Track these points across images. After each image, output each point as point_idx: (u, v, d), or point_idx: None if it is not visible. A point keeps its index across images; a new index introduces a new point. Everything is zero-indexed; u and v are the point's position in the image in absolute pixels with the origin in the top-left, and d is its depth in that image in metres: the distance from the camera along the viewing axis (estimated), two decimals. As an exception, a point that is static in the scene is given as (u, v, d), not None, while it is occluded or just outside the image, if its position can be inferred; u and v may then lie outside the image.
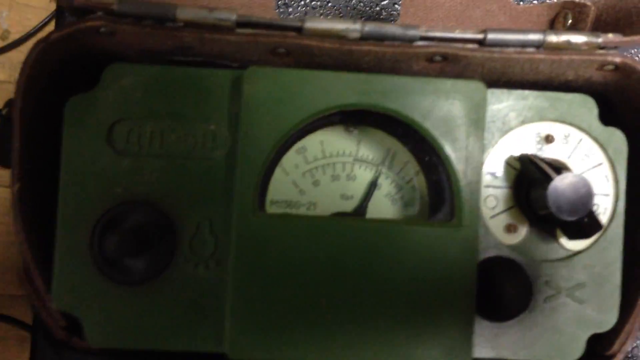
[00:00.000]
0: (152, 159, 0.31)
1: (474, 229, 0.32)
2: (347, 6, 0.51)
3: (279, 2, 0.49)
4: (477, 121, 0.32)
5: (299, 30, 0.30)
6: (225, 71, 0.32)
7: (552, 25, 0.45)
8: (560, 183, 0.31)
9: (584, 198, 0.31)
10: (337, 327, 0.31)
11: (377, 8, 0.52)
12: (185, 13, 0.29)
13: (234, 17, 0.30)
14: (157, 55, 0.32)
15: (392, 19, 0.51)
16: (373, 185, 0.36)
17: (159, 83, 0.31)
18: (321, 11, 0.52)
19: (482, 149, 0.32)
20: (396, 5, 0.52)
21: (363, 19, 0.54)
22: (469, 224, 0.32)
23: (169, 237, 0.31)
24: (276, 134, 0.31)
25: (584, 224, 0.32)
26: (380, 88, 0.31)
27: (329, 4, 0.51)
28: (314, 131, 0.35)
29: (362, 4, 0.52)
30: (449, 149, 0.32)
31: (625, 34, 0.38)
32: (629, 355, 0.47)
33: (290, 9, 0.53)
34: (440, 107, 0.32)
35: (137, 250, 0.30)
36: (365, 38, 0.31)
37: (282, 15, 0.51)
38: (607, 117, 0.36)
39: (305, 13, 0.53)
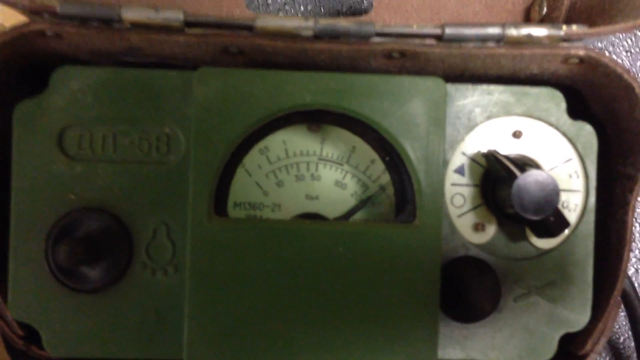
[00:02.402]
0: (106, 164, 0.31)
1: (436, 229, 0.31)
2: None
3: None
4: (437, 119, 0.31)
5: (250, 29, 0.29)
6: (177, 72, 0.31)
7: (528, 14, 0.44)
8: (524, 181, 0.30)
9: (549, 196, 0.30)
10: (298, 332, 0.31)
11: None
12: (130, 13, 0.29)
13: (181, 16, 0.29)
14: (108, 57, 0.31)
15: (366, 10, 0.50)
16: (365, 202, 0.35)
17: (110, 86, 0.31)
18: (296, 5, 0.51)
19: (443, 147, 0.31)
20: (370, -4, 0.51)
21: (333, 11, 0.53)
22: (431, 224, 0.31)
23: (125, 244, 0.31)
24: (230, 136, 0.30)
25: (551, 222, 0.31)
26: (335, 87, 0.30)
27: (301, -2, 0.50)
28: (276, 131, 0.34)
29: (335, -4, 0.51)
30: (408, 148, 0.31)
31: (597, 23, 0.36)
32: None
33: (270, 1, 0.52)
34: (398, 105, 0.31)
35: (91, 258, 0.30)
36: (319, 36, 0.30)
37: (261, 10, 0.50)
38: (578, 110, 0.35)
39: (285, 4, 0.53)
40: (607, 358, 0.50)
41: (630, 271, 0.50)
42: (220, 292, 0.30)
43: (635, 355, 0.44)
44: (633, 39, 0.52)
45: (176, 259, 0.31)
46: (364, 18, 0.45)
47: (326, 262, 0.31)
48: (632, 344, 0.46)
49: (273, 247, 0.30)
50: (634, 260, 0.50)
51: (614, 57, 0.51)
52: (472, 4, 0.45)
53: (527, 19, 0.44)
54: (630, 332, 0.47)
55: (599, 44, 0.52)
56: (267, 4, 0.52)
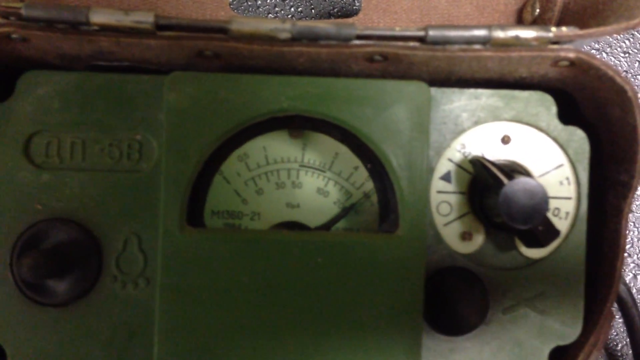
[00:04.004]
0: (74, 172, 0.30)
1: (419, 239, 0.30)
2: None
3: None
4: (421, 124, 0.30)
5: (224, 31, 0.28)
6: (149, 77, 0.30)
7: (520, 16, 0.43)
8: (512, 189, 0.29)
9: (538, 205, 0.29)
10: (275, 347, 0.29)
11: (327, 1, 0.50)
12: (99, 16, 0.27)
13: (151, 19, 0.27)
14: (78, 61, 0.30)
15: (357, 12, 0.49)
16: (348, 210, 0.34)
17: (79, 91, 0.29)
18: (286, 7, 0.50)
19: (427, 154, 0.30)
20: (359, -3, 0.50)
21: (324, 13, 0.52)
22: (414, 234, 0.30)
23: (94, 256, 0.29)
24: (203, 143, 0.29)
25: (539, 232, 0.30)
26: (314, 91, 0.29)
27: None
28: (255, 137, 0.33)
29: (324, -2, 0.50)
30: (390, 155, 0.30)
31: (590, 24, 0.35)
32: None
33: (259, 2, 0.51)
34: (379, 110, 0.29)
35: (58, 270, 0.28)
36: (297, 38, 0.28)
37: (250, 12, 0.49)
38: (570, 115, 0.33)
39: (275, 6, 0.51)
40: (605, 366, 0.49)
41: (629, 277, 0.49)
42: (192, 305, 0.29)
43: (633, 362, 0.43)
44: (631, 39, 0.50)
45: (147, 272, 0.30)
46: (350, 20, 0.44)
47: (305, 274, 0.29)
48: (630, 351, 0.45)
49: (249, 258, 0.29)
50: (632, 265, 0.49)
51: (612, 58, 0.50)
52: (463, 5, 0.44)
53: (520, 21, 0.43)
54: (628, 340, 0.46)
55: (596, 45, 0.50)
56: (257, 5, 0.51)
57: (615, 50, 0.51)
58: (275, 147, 0.34)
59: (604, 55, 0.50)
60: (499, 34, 0.28)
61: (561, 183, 0.33)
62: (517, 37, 0.29)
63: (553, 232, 0.30)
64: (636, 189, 0.31)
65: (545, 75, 0.31)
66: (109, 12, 0.27)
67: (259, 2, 0.51)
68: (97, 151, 0.30)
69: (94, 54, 0.29)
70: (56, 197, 0.29)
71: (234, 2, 0.50)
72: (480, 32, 0.29)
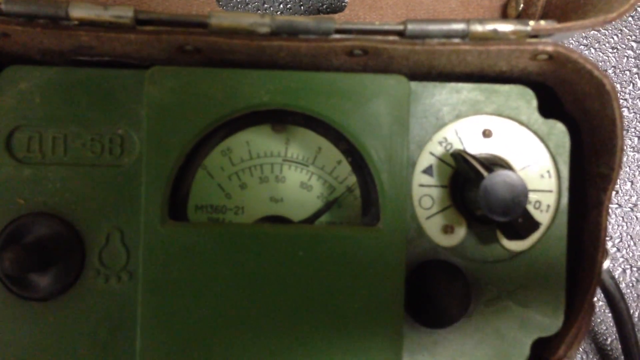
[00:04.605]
0: (56, 167, 0.30)
1: (400, 232, 0.30)
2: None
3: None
4: (401, 118, 0.30)
5: (204, 26, 0.28)
6: (130, 72, 0.30)
7: (505, 10, 0.43)
8: (491, 182, 0.29)
9: (518, 197, 0.29)
10: (257, 338, 0.29)
11: (326, -4, 0.50)
12: (78, 11, 0.27)
13: (131, 14, 0.28)
14: (60, 56, 0.30)
15: (342, 8, 0.49)
16: (331, 204, 0.34)
17: (60, 86, 0.29)
18: (275, 3, 0.50)
19: (408, 147, 0.30)
20: (345, -7, 0.50)
21: (313, 9, 0.52)
22: (395, 227, 0.30)
23: (77, 250, 0.30)
24: (184, 138, 0.29)
25: (519, 224, 0.30)
26: (294, 86, 0.29)
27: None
28: (238, 131, 0.33)
29: (310, -7, 0.50)
30: (370, 148, 0.30)
31: (572, 18, 0.35)
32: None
33: (248, -1, 0.51)
34: (359, 104, 0.30)
35: (41, 265, 0.28)
36: (276, 33, 0.29)
37: (239, 8, 0.49)
38: (551, 108, 0.33)
39: (264, 2, 0.52)
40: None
41: (618, 271, 0.50)
42: (174, 298, 0.29)
43: (622, 357, 0.43)
44: (620, 35, 0.51)
45: (130, 266, 0.30)
46: (336, 16, 0.44)
47: (287, 267, 0.29)
48: (620, 345, 0.45)
49: (230, 251, 0.29)
50: (621, 260, 0.49)
51: (600, 54, 0.51)
52: (448, 0, 0.44)
53: (504, 16, 0.43)
54: (617, 334, 0.46)
55: (584, 41, 0.51)
56: (246, 2, 0.51)
57: (603, 46, 0.51)
58: (259, 141, 0.34)
59: (592, 50, 0.51)
60: (478, 27, 0.29)
61: (542, 176, 0.33)
62: (495, 31, 0.29)
63: (533, 225, 0.30)
64: (616, 182, 0.31)
65: (525, 69, 0.31)
66: (89, 6, 0.27)
67: (248, -1, 0.51)
68: (78, 146, 0.30)
69: (75, 48, 0.29)
70: (38, 191, 0.29)
71: (223, -1, 0.50)
72: (459, 26, 0.29)
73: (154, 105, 0.29)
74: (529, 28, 0.29)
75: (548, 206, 0.33)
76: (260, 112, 0.32)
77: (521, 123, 0.32)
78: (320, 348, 0.30)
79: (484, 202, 0.29)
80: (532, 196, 0.33)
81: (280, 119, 0.33)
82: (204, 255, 0.29)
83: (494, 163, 0.32)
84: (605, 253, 0.43)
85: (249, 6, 0.51)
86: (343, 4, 0.50)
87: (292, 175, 0.34)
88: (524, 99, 0.32)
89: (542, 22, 0.29)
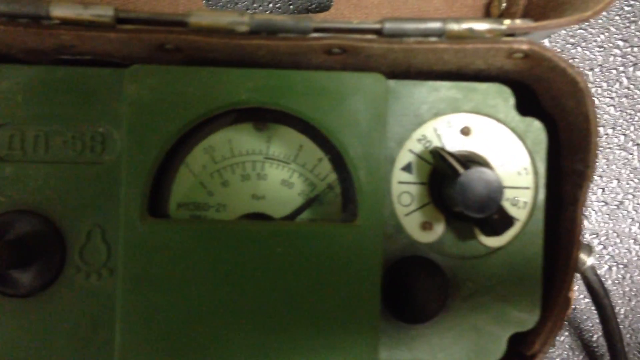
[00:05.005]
0: (38, 165, 0.30)
1: (377, 228, 0.30)
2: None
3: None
4: (378, 115, 0.30)
5: (183, 24, 0.29)
6: (111, 70, 0.30)
7: (488, 9, 0.44)
8: (467, 178, 0.29)
9: (493, 194, 0.30)
10: (236, 334, 0.30)
11: (311, -5, 0.51)
12: (59, 10, 0.28)
13: (111, 12, 0.28)
14: (43, 55, 0.31)
15: (326, 7, 0.49)
16: (311, 201, 0.34)
17: (42, 84, 0.30)
18: (265, 2, 0.50)
19: (385, 144, 0.31)
20: (330, -7, 0.50)
21: (302, 8, 0.53)
22: (372, 224, 0.30)
23: (58, 247, 0.30)
24: (163, 135, 0.29)
25: (495, 220, 0.30)
26: (273, 84, 0.30)
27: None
28: (220, 129, 0.34)
29: (296, -8, 0.50)
30: (348, 146, 0.30)
31: (551, 17, 0.36)
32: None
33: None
34: (337, 101, 0.30)
35: (22, 262, 0.29)
36: (255, 31, 0.29)
37: (227, 7, 0.49)
38: (530, 106, 0.34)
39: (253, 2, 0.52)
40: (581, 357, 0.49)
41: (604, 269, 0.50)
42: (153, 295, 0.29)
43: (608, 354, 0.43)
44: (606, 33, 0.51)
45: (111, 263, 0.30)
46: (322, 15, 0.44)
47: (266, 263, 0.30)
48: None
49: (209, 248, 0.30)
50: (607, 257, 0.50)
51: (587, 52, 0.51)
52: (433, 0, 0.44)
53: (488, 15, 0.44)
54: (602, 331, 0.47)
55: (571, 40, 0.51)
56: (235, 1, 0.51)
57: (590, 44, 0.51)
58: (241, 139, 0.34)
59: (579, 48, 0.51)
60: (453, 26, 0.29)
61: (519, 173, 0.33)
62: (471, 30, 0.29)
63: (508, 221, 0.30)
64: (591, 179, 0.32)
65: (502, 68, 0.32)
66: (69, 5, 0.28)
67: (237, -2, 0.51)
68: (60, 144, 0.30)
69: (57, 47, 0.30)
70: (19, 189, 0.30)
71: (214, -1, 0.50)
72: (435, 25, 0.29)
73: (133, 104, 0.29)
74: (504, 27, 0.29)
75: (525, 203, 0.33)
76: (242, 110, 0.32)
77: (499, 121, 0.33)
78: (297, 343, 0.30)
79: (460, 199, 0.30)
80: (510, 193, 0.33)
81: (262, 117, 0.33)
82: (183, 251, 0.29)
83: (471, 160, 0.32)
84: (590, 250, 0.43)
85: (239, 5, 0.51)
86: (331, 3, 0.51)
87: (274, 173, 0.34)
88: (502, 97, 0.33)
89: (518, 21, 0.30)
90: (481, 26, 0.29)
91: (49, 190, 0.30)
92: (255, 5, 0.51)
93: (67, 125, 0.30)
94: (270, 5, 0.51)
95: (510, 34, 0.30)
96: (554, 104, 0.33)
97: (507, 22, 0.29)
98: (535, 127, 0.33)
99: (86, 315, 0.30)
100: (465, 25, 0.29)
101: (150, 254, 0.29)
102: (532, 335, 0.33)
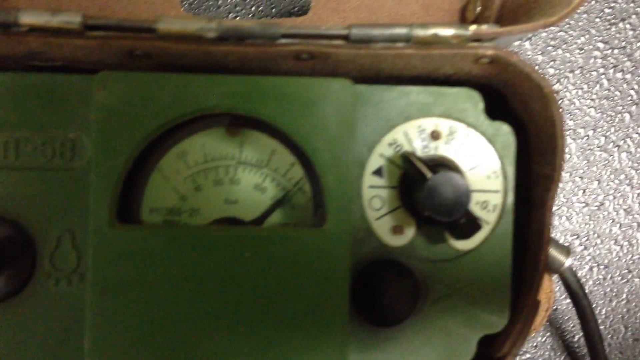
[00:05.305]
0: (8, 171, 0.30)
1: (346, 233, 0.31)
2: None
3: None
4: (346, 120, 0.30)
5: (152, 31, 0.29)
6: (81, 76, 0.30)
7: (464, 13, 0.44)
8: (435, 183, 0.30)
9: (460, 198, 0.30)
10: (205, 340, 0.30)
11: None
12: (28, 17, 0.28)
13: (79, 19, 0.28)
14: (14, 61, 0.31)
15: (304, 11, 0.50)
16: (279, 203, 0.34)
17: (11, 91, 0.30)
18: (247, 6, 0.51)
19: (353, 149, 0.31)
20: (309, -4, 0.51)
21: (285, 12, 0.53)
22: (341, 228, 0.31)
23: (28, 253, 0.30)
24: (132, 141, 0.30)
25: (462, 224, 0.31)
26: (241, 90, 0.30)
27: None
28: (192, 134, 0.34)
29: (273, -4, 0.51)
30: (316, 151, 0.31)
31: (522, 21, 0.36)
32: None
33: (220, 1, 0.51)
34: (305, 107, 0.30)
35: (-10, 267, 0.29)
36: (223, 38, 0.29)
37: (210, 11, 0.49)
38: (502, 110, 0.34)
39: (235, 5, 0.52)
40: (563, 357, 0.50)
41: (585, 269, 0.50)
42: (122, 301, 0.29)
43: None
44: (587, 36, 0.51)
45: (81, 268, 0.31)
46: (300, 19, 0.45)
47: (234, 268, 0.30)
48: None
49: (178, 253, 0.30)
50: (588, 258, 0.50)
51: (567, 55, 0.51)
52: (410, 3, 0.45)
53: (463, 18, 0.44)
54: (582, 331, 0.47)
55: (552, 42, 0.51)
56: (218, 5, 0.51)
57: (570, 47, 0.52)
58: (213, 144, 0.34)
59: (560, 51, 0.52)
60: (419, 32, 0.29)
61: (489, 177, 0.34)
62: (436, 35, 0.30)
63: (475, 225, 0.31)
64: (558, 182, 0.32)
65: (470, 73, 0.32)
66: (37, 12, 0.28)
67: (220, 1, 0.51)
68: (30, 150, 0.30)
69: (27, 54, 0.30)
70: None
71: (195, 2, 0.51)
72: (402, 30, 0.29)
73: (102, 110, 0.29)
74: (469, 32, 0.29)
75: (495, 206, 0.34)
76: (214, 115, 0.32)
77: (469, 125, 0.33)
78: (267, 347, 0.30)
79: (428, 203, 0.30)
80: (480, 196, 0.34)
81: (234, 122, 0.33)
82: (152, 257, 0.30)
83: (441, 164, 0.32)
84: (568, 251, 0.44)
85: (221, 9, 0.51)
86: (294, 9, 0.51)
87: (247, 178, 0.35)
88: (471, 102, 0.33)
89: (483, 27, 0.30)
90: (447, 32, 0.30)
91: (19, 197, 0.30)
92: (237, 9, 0.52)
93: (37, 132, 0.30)
94: (253, 8, 0.52)
95: (477, 39, 0.30)
96: (522, 108, 0.33)
97: (472, 27, 0.30)
98: (504, 131, 0.33)
99: (57, 322, 0.30)
100: (431, 31, 0.29)
101: (119, 260, 0.29)
102: (501, 337, 0.33)
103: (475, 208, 0.33)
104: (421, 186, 0.30)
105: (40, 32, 0.28)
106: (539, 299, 0.33)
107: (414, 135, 0.33)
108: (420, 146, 0.33)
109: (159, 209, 0.34)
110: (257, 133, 0.34)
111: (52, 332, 0.30)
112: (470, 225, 0.31)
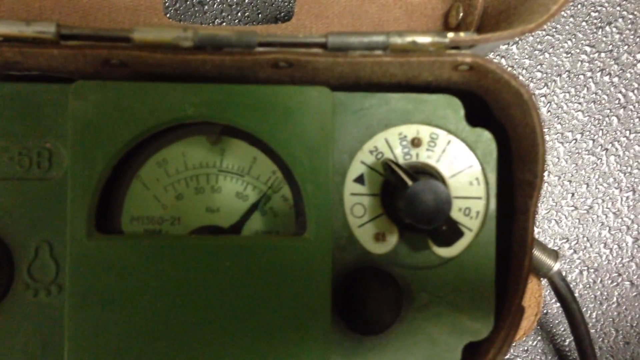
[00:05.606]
0: None
1: (326, 241, 0.30)
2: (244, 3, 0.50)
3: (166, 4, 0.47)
4: (324, 128, 0.30)
5: (127, 40, 0.29)
6: (57, 86, 0.30)
7: (447, 19, 0.44)
8: (415, 190, 0.30)
9: (441, 205, 0.30)
10: (185, 350, 0.30)
11: (273, 5, 0.51)
12: (1, 27, 0.28)
13: (53, 29, 0.28)
14: (-10, 71, 0.31)
15: (290, 17, 0.49)
16: (255, 207, 0.34)
17: (-13, 101, 0.30)
18: (233, 12, 0.51)
19: (332, 157, 0.31)
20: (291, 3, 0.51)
21: (271, 18, 0.53)
22: (321, 237, 0.30)
23: (5, 264, 0.30)
24: (109, 151, 0.29)
25: (444, 231, 0.30)
26: (218, 98, 0.30)
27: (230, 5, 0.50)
28: (172, 143, 0.34)
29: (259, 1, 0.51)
30: (295, 159, 0.30)
31: (502, 28, 0.36)
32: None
33: (206, 7, 0.51)
34: (282, 115, 0.30)
35: (-32, 279, 0.29)
36: (199, 46, 0.29)
37: (196, 17, 0.49)
38: (483, 117, 0.34)
39: (222, 11, 0.52)
40: (552, 361, 0.50)
41: (574, 273, 0.50)
42: (101, 312, 0.29)
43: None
44: (573, 40, 0.51)
45: (59, 279, 0.30)
46: (284, 25, 0.45)
47: (215, 277, 0.30)
48: (576, 346, 0.46)
49: (157, 263, 0.30)
50: (578, 262, 0.50)
51: (554, 59, 0.51)
52: (393, 10, 0.44)
53: (446, 24, 0.44)
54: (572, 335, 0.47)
55: (539, 46, 0.51)
56: (204, 11, 0.51)
57: (557, 50, 0.52)
58: (194, 152, 0.34)
59: (547, 55, 0.52)
60: (397, 40, 0.29)
61: (471, 183, 0.33)
62: (414, 42, 0.29)
63: (457, 232, 0.31)
64: (540, 189, 0.32)
65: (449, 79, 0.32)
66: (10, 22, 0.28)
67: (206, 7, 0.51)
68: (6, 160, 0.30)
69: (2, 64, 0.30)
70: None
71: (181, 8, 0.50)
72: (379, 38, 0.29)
73: (78, 119, 0.29)
74: (446, 40, 0.29)
75: (477, 213, 0.33)
76: (194, 124, 0.32)
77: (449, 131, 0.33)
78: (248, 357, 0.30)
79: (409, 210, 0.30)
80: (462, 203, 0.33)
81: (214, 130, 0.33)
82: (131, 267, 0.29)
83: (422, 172, 0.32)
84: (557, 255, 0.44)
85: (207, 15, 0.51)
86: (279, 14, 0.51)
87: (228, 186, 0.34)
88: (452, 108, 0.33)
89: (462, 34, 0.30)
90: (424, 39, 0.29)
91: None
92: (224, 14, 0.52)
93: (14, 142, 0.30)
94: (239, 14, 0.52)
95: (455, 46, 0.30)
96: (503, 115, 0.33)
97: (450, 35, 0.29)
98: (485, 138, 0.33)
99: (35, 333, 0.30)
100: (408, 39, 0.29)
101: (98, 271, 0.29)
102: (486, 344, 0.33)
103: (457, 215, 0.33)
104: (402, 194, 0.30)
105: (14, 42, 0.28)
106: (524, 304, 0.33)
107: (395, 143, 0.33)
108: (401, 153, 0.33)
109: (139, 218, 0.34)
110: (237, 141, 0.34)
111: (31, 344, 0.30)
112: (452, 232, 0.30)
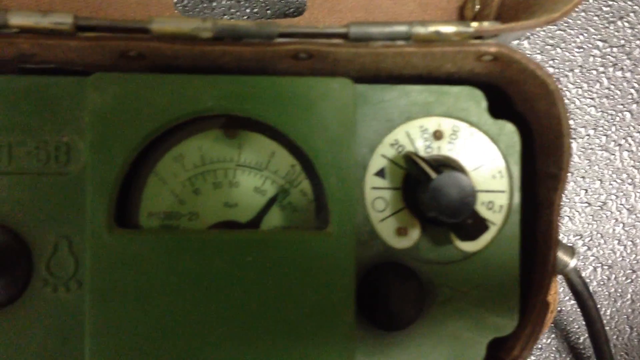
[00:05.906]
0: (1, 176, 0.29)
1: (349, 235, 0.30)
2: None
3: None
4: (346, 121, 0.30)
5: (145, 31, 0.28)
6: (75, 78, 0.30)
7: (462, 12, 0.43)
8: (439, 183, 0.29)
9: (466, 198, 0.29)
10: (207, 346, 0.29)
11: (282, 1, 0.50)
12: (17, 18, 0.27)
13: (70, 20, 0.27)
14: (6, 64, 0.30)
15: (299, 12, 0.49)
16: (272, 201, 0.33)
17: (4, 95, 0.29)
18: (242, 8, 0.50)
19: (354, 150, 0.30)
20: (305, -3, 0.50)
21: (280, 13, 0.52)
22: (344, 231, 0.30)
23: (24, 259, 0.29)
24: (128, 144, 0.29)
25: (469, 225, 0.30)
26: (238, 90, 0.29)
27: None
28: (189, 137, 0.33)
29: (270, -3, 0.50)
30: (317, 152, 0.30)
31: (522, 19, 0.36)
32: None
33: (214, 3, 0.51)
34: (304, 107, 0.30)
35: (-16, 276, 0.28)
36: (218, 37, 0.28)
37: (204, 13, 0.49)
38: (505, 109, 0.34)
39: (230, 7, 0.52)
40: (568, 359, 0.49)
41: (589, 270, 0.50)
42: (122, 307, 0.29)
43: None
44: (585, 34, 0.51)
45: (79, 275, 0.30)
46: (296, 19, 0.44)
47: (236, 272, 0.29)
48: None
49: (178, 258, 0.29)
50: (592, 259, 0.50)
51: (566, 53, 0.51)
52: (407, 3, 0.44)
53: (461, 17, 0.43)
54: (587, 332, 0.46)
55: (551, 41, 0.51)
56: (212, 7, 0.51)
57: (569, 45, 0.51)
58: (211, 147, 0.34)
59: (559, 50, 0.51)
60: (420, 29, 0.29)
61: (494, 176, 0.33)
62: (438, 32, 0.29)
63: (482, 226, 0.30)
64: (565, 181, 0.31)
65: (472, 70, 0.31)
66: (27, 13, 0.27)
67: (214, 3, 0.51)
68: (23, 154, 0.30)
69: (18, 56, 0.29)
70: None
71: (189, 4, 0.50)
72: (401, 28, 0.29)
73: (96, 112, 0.29)
74: (471, 29, 0.29)
75: (501, 206, 0.33)
76: (211, 117, 0.31)
77: (472, 124, 0.33)
78: (271, 353, 0.29)
79: (433, 204, 0.29)
80: (485, 197, 0.33)
81: (232, 124, 0.33)
82: (151, 262, 0.29)
83: (445, 164, 0.32)
84: (573, 252, 0.43)
85: (215, 11, 0.50)
86: (290, 9, 0.50)
87: (246, 180, 0.34)
88: (474, 100, 0.32)
89: (485, 24, 0.29)
90: (448, 29, 0.29)
91: (14, 202, 0.29)
92: (232, 10, 0.51)
93: (31, 135, 0.30)
94: (248, 10, 0.51)
95: (479, 36, 0.30)
96: (526, 107, 0.32)
97: (474, 24, 0.29)
98: (508, 130, 0.32)
99: (55, 329, 0.30)
100: (431, 28, 0.29)
101: (118, 266, 0.29)
102: (511, 340, 0.32)
103: (480, 208, 0.33)
104: (425, 187, 0.29)
105: (30, 34, 0.28)
106: (548, 300, 0.32)
107: (416, 135, 0.33)
108: (422, 146, 0.33)
109: (157, 213, 0.33)
110: (255, 134, 0.34)
111: (51, 340, 0.29)
112: (477, 226, 0.30)
